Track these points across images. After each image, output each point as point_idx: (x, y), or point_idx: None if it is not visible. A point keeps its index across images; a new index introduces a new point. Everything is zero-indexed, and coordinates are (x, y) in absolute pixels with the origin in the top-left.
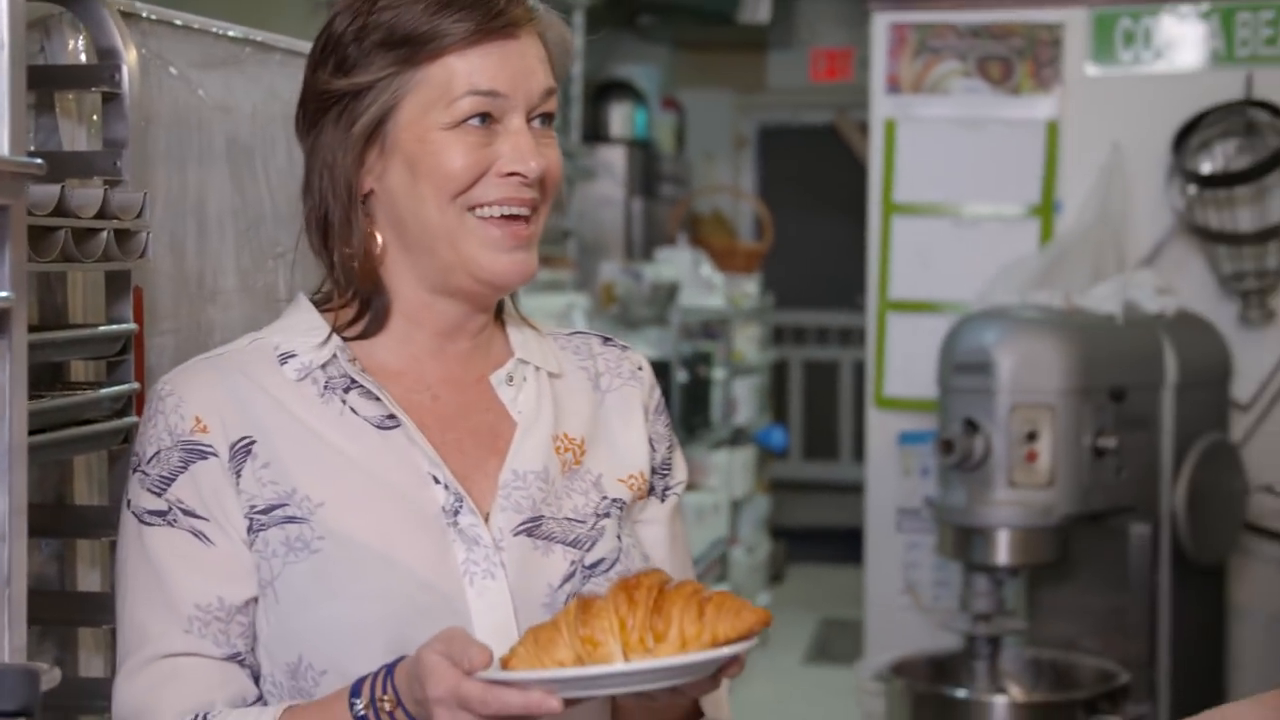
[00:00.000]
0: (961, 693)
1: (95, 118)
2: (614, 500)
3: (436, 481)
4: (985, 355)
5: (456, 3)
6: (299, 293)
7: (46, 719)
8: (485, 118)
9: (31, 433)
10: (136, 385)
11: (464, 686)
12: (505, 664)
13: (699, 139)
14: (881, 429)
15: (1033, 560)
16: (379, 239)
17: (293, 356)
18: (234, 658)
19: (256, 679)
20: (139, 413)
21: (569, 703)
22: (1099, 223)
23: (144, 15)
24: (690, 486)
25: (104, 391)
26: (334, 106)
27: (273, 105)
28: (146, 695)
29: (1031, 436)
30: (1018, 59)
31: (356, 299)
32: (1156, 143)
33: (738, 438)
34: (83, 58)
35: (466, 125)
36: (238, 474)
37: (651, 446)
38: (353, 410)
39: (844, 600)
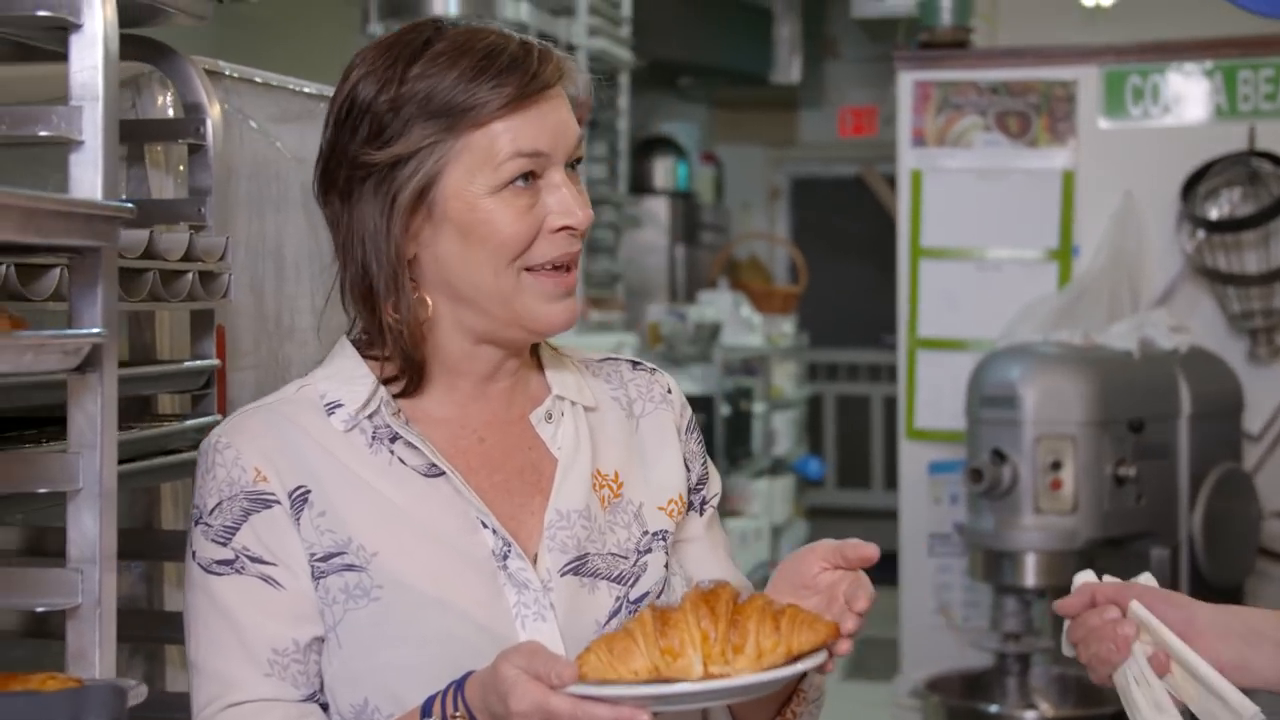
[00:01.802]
0: (993, 708)
1: (181, 168)
2: (656, 534)
3: (485, 526)
4: (1011, 389)
5: (492, 69)
6: (343, 336)
7: None
8: (529, 176)
9: (121, 461)
10: (219, 417)
11: (552, 701)
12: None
13: (736, 190)
14: (913, 459)
15: (1058, 582)
16: (429, 303)
17: (339, 406)
18: (311, 697)
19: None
20: None
21: (655, 716)
22: (1113, 265)
23: (226, 73)
24: (733, 513)
25: (189, 423)
26: (372, 176)
27: None
28: None
29: (1056, 465)
30: (1035, 114)
31: (398, 357)
32: (1166, 190)
33: (777, 467)
34: (170, 112)
35: (513, 187)
36: (297, 521)
37: (686, 466)
38: (400, 460)
39: (879, 620)
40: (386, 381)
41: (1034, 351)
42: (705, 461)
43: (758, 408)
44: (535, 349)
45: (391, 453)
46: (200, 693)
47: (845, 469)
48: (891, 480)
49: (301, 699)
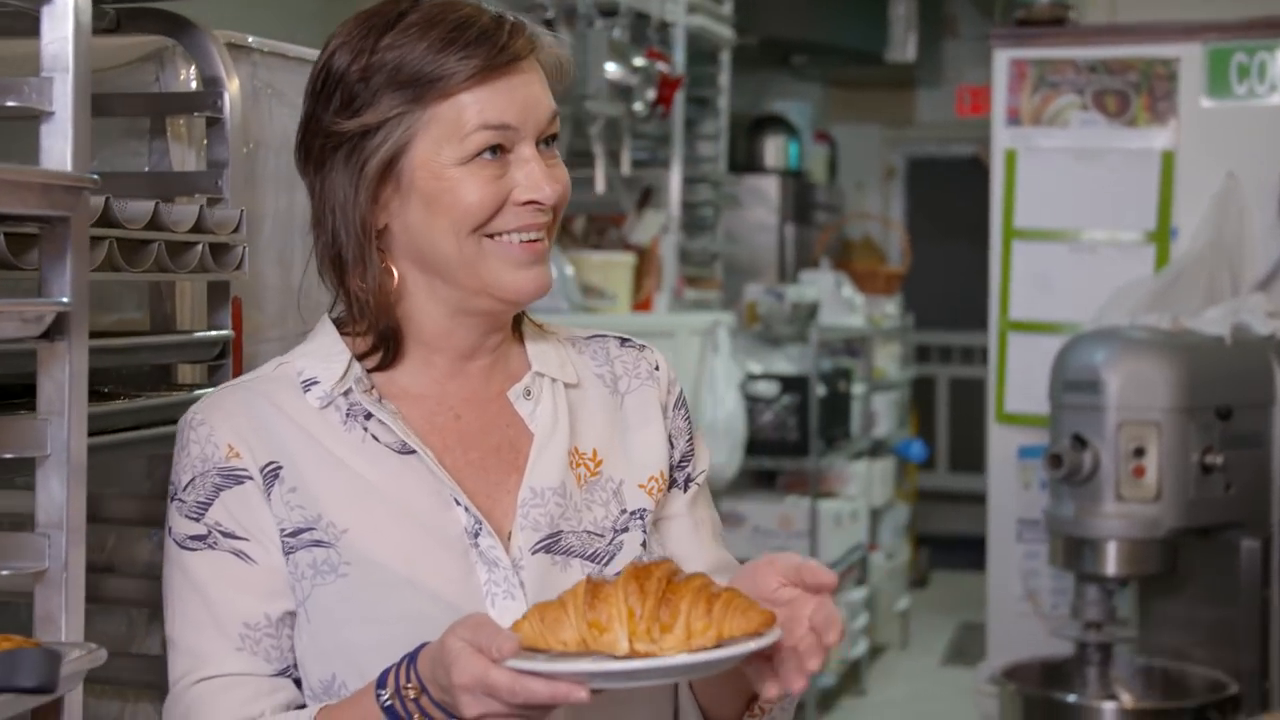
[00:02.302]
0: (1071, 698)
1: (205, 142)
2: (634, 512)
3: (457, 504)
4: (1094, 374)
5: (461, 40)
6: (324, 314)
7: (149, 693)
8: (497, 149)
9: (130, 428)
10: None
11: (492, 674)
12: None
13: (850, 169)
14: (1002, 443)
15: (1140, 571)
16: (395, 273)
17: (315, 384)
18: (284, 672)
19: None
20: None
21: (595, 692)
22: (1213, 248)
23: (253, 47)
24: (828, 494)
25: (198, 392)
26: (343, 145)
27: None
28: (199, 707)
29: (1139, 452)
30: (1134, 92)
31: (371, 330)
32: (1270, 172)
33: (877, 449)
34: (193, 86)
35: (480, 159)
36: (268, 497)
37: (670, 444)
38: (374, 437)
39: (971, 605)
40: (362, 356)
41: (1119, 336)
42: (692, 438)
43: (857, 389)
44: (518, 325)
45: (365, 430)
46: (174, 667)
47: (957, 452)
48: None
49: (273, 673)
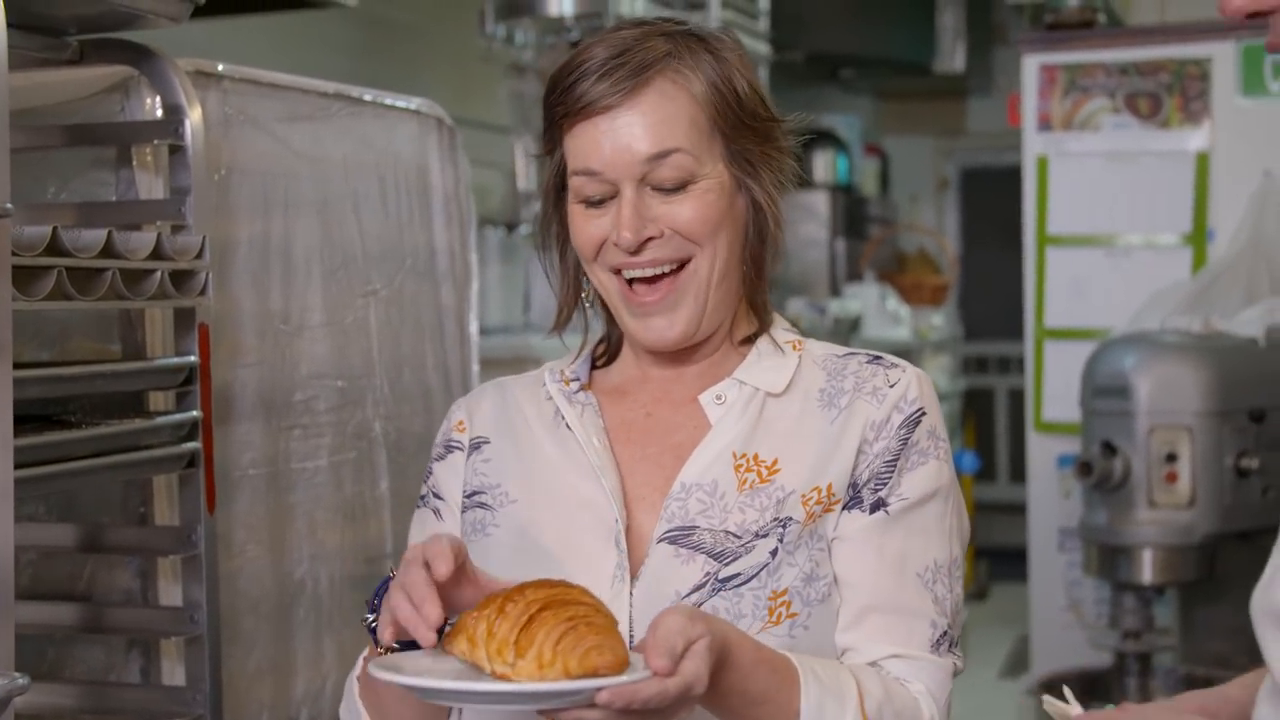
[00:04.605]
0: (1109, 708)
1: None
2: (781, 520)
3: (613, 495)
4: (1124, 379)
5: (561, 86)
6: None
7: None
8: (601, 188)
9: (94, 455)
10: (195, 414)
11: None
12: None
13: (903, 182)
14: (1041, 452)
15: (1177, 579)
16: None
17: (554, 379)
18: None
19: None
20: (206, 440)
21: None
22: (1252, 249)
23: (223, 74)
24: None
25: (161, 420)
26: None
27: (365, 154)
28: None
29: (1171, 458)
30: (1166, 94)
31: (600, 329)
32: None
33: None
34: (159, 114)
35: (586, 199)
36: (467, 463)
37: (858, 460)
38: (567, 426)
39: (1015, 616)
40: (597, 354)
41: (1149, 340)
42: (902, 461)
43: None
44: (755, 338)
45: (563, 418)
46: None
47: (1017, 463)
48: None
49: None
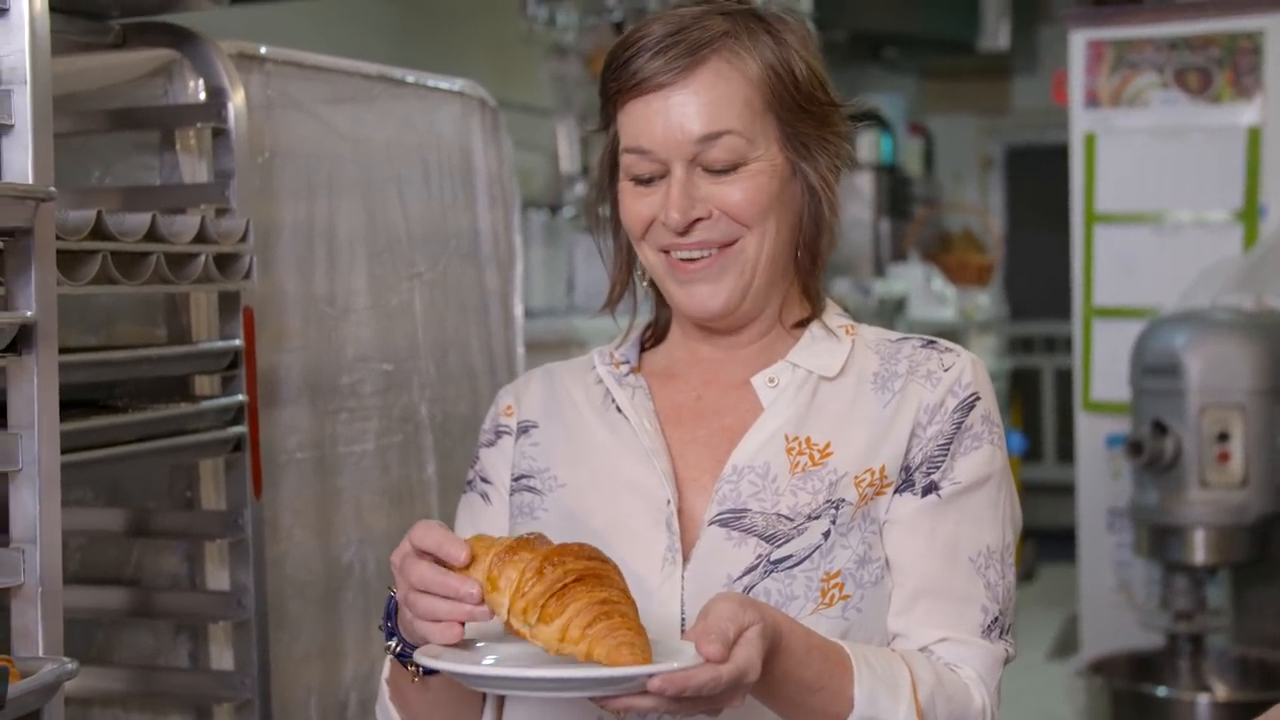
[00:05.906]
0: (1162, 690)
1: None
2: (834, 502)
3: (665, 478)
4: (1174, 358)
5: (616, 62)
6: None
7: (178, 705)
8: (652, 167)
9: (140, 440)
10: (241, 398)
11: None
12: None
13: (947, 161)
14: (1090, 432)
15: (1229, 559)
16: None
17: (604, 363)
18: None
19: None
20: (252, 424)
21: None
22: None
23: (266, 56)
24: None
25: (206, 404)
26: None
27: (408, 136)
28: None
29: (1223, 437)
30: (1216, 68)
31: (649, 311)
32: None
33: None
34: (202, 97)
35: (636, 176)
36: (515, 447)
37: (911, 443)
38: (617, 408)
39: (1064, 597)
40: (645, 335)
41: (1200, 318)
42: (955, 445)
43: None
44: (808, 322)
45: (613, 400)
46: None
47: (1065, 443)
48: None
49: None
